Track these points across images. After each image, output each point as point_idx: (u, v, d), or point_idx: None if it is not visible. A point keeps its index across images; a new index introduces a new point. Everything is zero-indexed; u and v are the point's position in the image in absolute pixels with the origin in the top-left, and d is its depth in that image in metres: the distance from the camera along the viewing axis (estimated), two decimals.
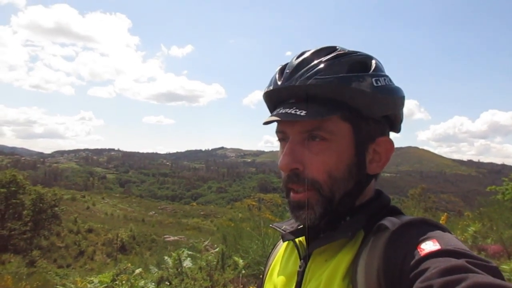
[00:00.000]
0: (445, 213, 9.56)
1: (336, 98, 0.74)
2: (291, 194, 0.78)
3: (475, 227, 6.61)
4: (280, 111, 0.76)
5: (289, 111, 0.74)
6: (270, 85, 0.81)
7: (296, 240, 0.85)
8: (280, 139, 0.82)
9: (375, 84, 0.76)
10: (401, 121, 0.85)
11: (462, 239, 6.44)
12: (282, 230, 0.87)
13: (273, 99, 0.82)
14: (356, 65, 0.78)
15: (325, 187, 0.74)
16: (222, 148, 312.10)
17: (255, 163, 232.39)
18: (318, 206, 0.75)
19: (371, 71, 0.78)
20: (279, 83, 0.78)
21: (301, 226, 0.83)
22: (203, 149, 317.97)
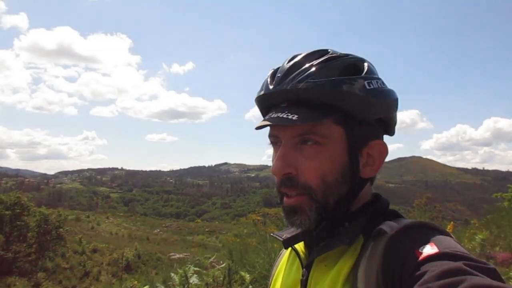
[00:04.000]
0: (451, 222, 9.49)
1: (328, 101, 0.74)
2: (285, 199, 0.77)
3: (482, 235, 6.56)
4: (272, 116, 0.75)
5: (281, 115, 0.74)
6: (261, 89, 0.82)
7: (298, 248, 0.85)
8: (272, 143, 0.82)
9: (367, 86, 0.75)
10: (395, 123, 0.85)
11: (470, 247, 6.37)
12: (283, 238, 0.86)
13: (265, 103, 0.83)
14: (348, 68, 0.77)
15: (318, 192, 0.74)
16: (225, 163, 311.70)
17: (259, 178, 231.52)
18: (312, 212, 0.74)
19: (364, 73, 0.77)
20: (270, 87, 0.78)
21: (298, 233, 0.83)
22: (207, 165, 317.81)
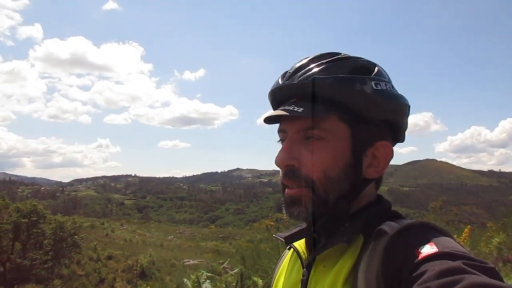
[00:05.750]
0: (468, 226, 9.34)
1: (335, 98, 0.76)
2: (286, 190, 0.79)
3: (499, 238, 6.46)
4: (280, 109, 0.79)
5: (287, 108, 0.77)
6: (272, 86, 0.86)
7: (299, 249, 0.86)
8: (281, 140, 0.85)
9: (374, 87, 0.77)
10: (405, 130, 0.86)
11: (487, 251, 6.28)
12: (283, 238, 0.89)
13: (276, 98, 0.86)
14: (358, 68, 0.80)
15: (320, 186, 0.76)
16: (238, 169, 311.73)
17: (272, 183, 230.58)
18: (311, 205, 0.76)
19: (373, 75, 0.79)
20: (280, 82, 0.82)
21: (299, 231, 0.86)
22: (219, 171, 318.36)
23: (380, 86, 0.78)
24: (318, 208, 0.76)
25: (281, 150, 0.79)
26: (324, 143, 0.76)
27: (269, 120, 0.82)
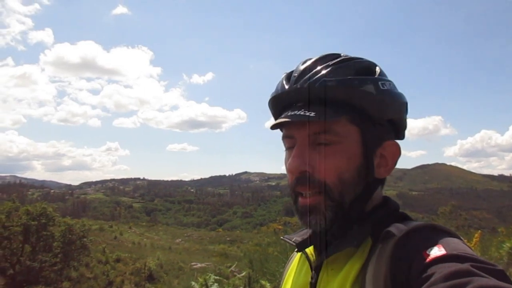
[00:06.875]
0: (479, 231, 9.23)
1: (345, 100, 0.75)
2: (300, 199, 0.77)
3: (510, 243, 6.37)
4: (289, 114, 0.76)
5: (298, 113, 0.74)
6: (277, 90, 0.83)
7: (307, 251, 0.85)
8: (288, 147, 0.82)
9: (381, 87, 0.77)
10: (405, 127, 0.86)
11: (497, 256, 6.20)
12: (293, 242, 0.87)
13: (281, 103, 0.83)
14: (362, 69, 0.79)
15: (335, 191, 0.74)
16: (245, 172, 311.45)
17: (280, 187, 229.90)
18: (328, 211, 0.75)
19: (377, 75, 0.80)
20: (286, 87, 0.80)
21: (310, 235, 0.84)
22: (227, 175, 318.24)
23: (386, 86, 0.78)
24: (335, 213, 0.75)
25: (293, 156, 0.76)
26: (336, 146, 0.75)
27: (277, 126, 0.80)
